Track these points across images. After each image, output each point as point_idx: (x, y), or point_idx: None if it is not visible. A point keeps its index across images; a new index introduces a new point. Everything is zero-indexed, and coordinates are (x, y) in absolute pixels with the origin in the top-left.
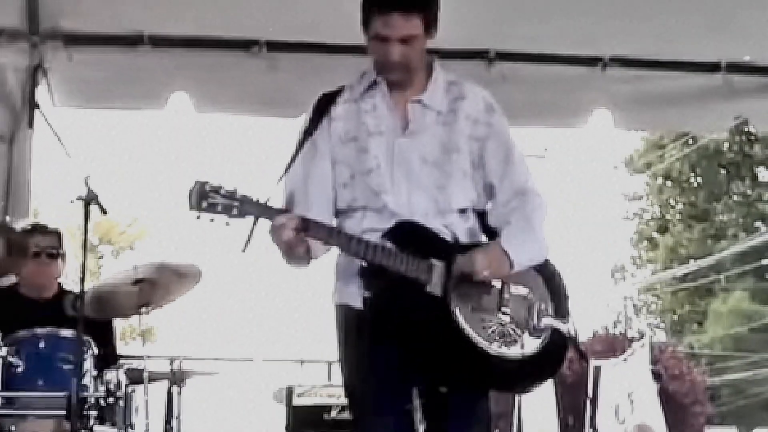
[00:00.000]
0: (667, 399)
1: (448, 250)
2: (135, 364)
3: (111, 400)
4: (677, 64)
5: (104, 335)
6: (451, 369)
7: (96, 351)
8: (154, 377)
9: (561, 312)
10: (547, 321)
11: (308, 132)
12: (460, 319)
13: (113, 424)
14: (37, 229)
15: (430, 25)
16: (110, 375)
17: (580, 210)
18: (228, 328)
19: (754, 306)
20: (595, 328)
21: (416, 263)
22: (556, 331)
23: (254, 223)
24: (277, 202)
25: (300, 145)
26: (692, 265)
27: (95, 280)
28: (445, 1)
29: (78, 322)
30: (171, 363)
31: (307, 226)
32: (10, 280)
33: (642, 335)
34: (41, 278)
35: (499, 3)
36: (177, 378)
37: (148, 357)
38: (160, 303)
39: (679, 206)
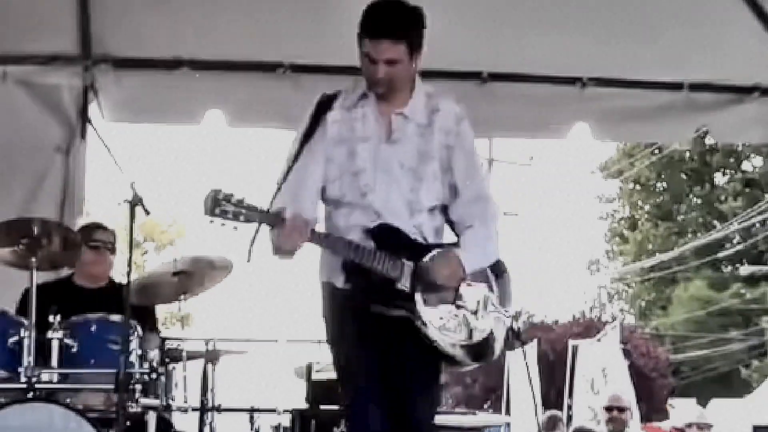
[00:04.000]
0: (635, 373)
1: (418, 251)
2: (175, 344)
3: (154, 375)
4: (646, 84)
5: (148, 319)
6: (414, 348)
7: (141, 333)
8: (191, 356)
9: (505, 304)
10: (494, 312)
11: (308, 133)
12: (422, 309)
13: (156, 397)
14: (99, 226)
15: (414, 51)
16: (153, 354)
17: (561, 210)
18: (255, 313)
19: (711, 293)
20: (573, 312)
21: (390, 263)
22: (500, 320)
23: (256, 231)
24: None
25: (300, 146)
26: (658, 258)
27: (140, 273)
28: (446, 28)
29: (125, 308)
30: (206, 343)
31: (311, 237)
32: (66, 272)
33: (614, 319)
34: (99, 268)
35: (491, 30)
36: (211, 356)
37: (186, 339)
38: (197, 291)
39: (647, 207)
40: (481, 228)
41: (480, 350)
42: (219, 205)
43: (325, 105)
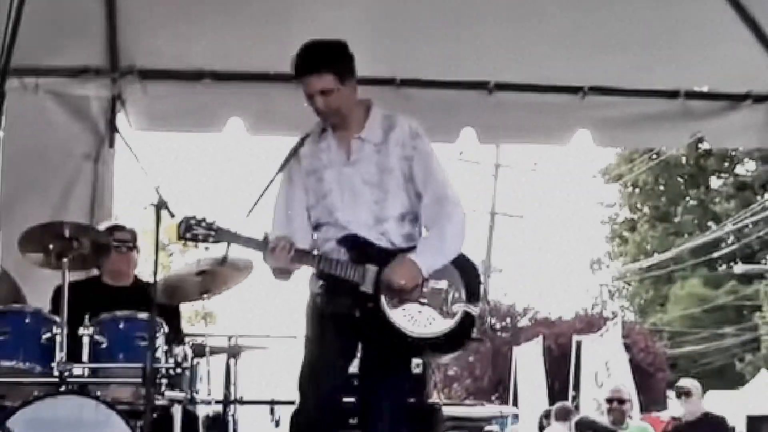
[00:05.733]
0: (635, 367)
1: (381, 255)
2: (199, 340)
3: (179, 370)
4: (644, 92)
5: (172, 318)
6: (379, 344)
7: (167, 330)
8: (214, 351)
9: (472, 298)
10: (459, 306)
11: (280, 169)
12: (387, 309)
13: (181, 390)
14: (117, 227)
15: (344, 78)
16: (178, 349)
17: (564, 212)
18: (275, 310)
19: (706, 291)
20: (576, 309)
21: (353, 269)
22: (466, 314)
23: (227, 248)
24: (259, 226)
25: (273, 180)
26: (656, 258)
27: (166, 273)
28: (455, 42)
29: (151, 306)
30: (228, 339)
31: (297, 256)
32: (93, 272)
33: (615, 315)
34: (122, 266)
35: (498, 43)
36: (233, 352)
37: (210, 335)
38: (219, 291)
39: (645, 209)
40: (437, 229)
41: (445, 343)
42: (191, 230)
43: (300, 144)
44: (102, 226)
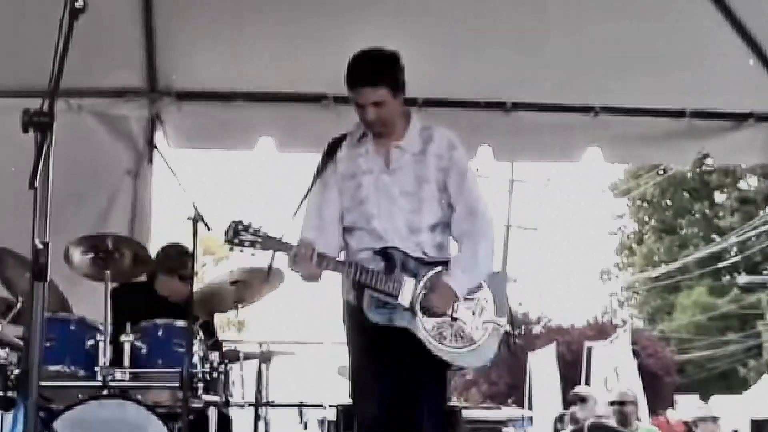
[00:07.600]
0: (644, 372)
1: (418, 267)
2: (232, 347)
3: (214, 375)
4: (652, 112)
5: (208, 326)
6: (418, 356)
7: (203, 337)
8: (246, 357)
9: (501, 312)
10: (490, 320)
11: (319, 171)
12: (421, 321)
13: (216, 393)
14: (187, 253)
15: (397, 90)
16: (213, 355)
17: (576, 226)
18: (304, 318)
19: (711, 299)
20: (587, 317)
21: (390, 281)
22: (496, 327)
23: (273, 257)
24: (296, 229)
25: (313, 183)
26: (663, 269)
27: (201, 284)
28: (474, 64)
29: (188, 314)
30: (260, 346)
31: (320, 261)
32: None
33: (624, 323)
34: (179, 296)
35: (515, 67)
36: (264, 357)
37: (242, 342)
38: (252, 300)
39: (653, 222)
40: (470, 248)
41: (474, 357)
42: (238, 235)
43: (335, 145)
44: (172, 248)
